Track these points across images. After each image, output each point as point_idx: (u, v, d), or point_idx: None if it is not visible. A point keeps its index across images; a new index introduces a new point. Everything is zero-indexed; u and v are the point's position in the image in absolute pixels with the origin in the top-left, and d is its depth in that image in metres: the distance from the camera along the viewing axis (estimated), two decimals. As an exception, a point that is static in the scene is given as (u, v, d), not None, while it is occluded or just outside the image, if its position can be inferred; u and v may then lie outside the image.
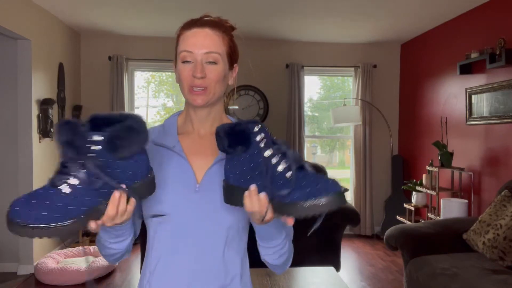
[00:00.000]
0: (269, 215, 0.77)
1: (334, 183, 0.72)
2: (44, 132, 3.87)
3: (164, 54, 5.02)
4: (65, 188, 0.68)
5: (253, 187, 0.76)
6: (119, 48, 4.97)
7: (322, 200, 0.70)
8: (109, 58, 4.92)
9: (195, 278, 0.90)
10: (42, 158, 3.90)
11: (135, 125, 0.72)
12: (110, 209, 0.73)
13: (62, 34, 4.42)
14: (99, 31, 4.84)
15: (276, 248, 0.90)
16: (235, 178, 0.78)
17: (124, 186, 0.73)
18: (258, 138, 0.76)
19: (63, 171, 0.69)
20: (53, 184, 0.68)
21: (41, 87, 3.89)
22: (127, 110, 4.92)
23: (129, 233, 0.89)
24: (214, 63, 0.90)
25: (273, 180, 0.75)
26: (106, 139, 0.70)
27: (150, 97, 5.45)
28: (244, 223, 0.94)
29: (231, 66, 0.95)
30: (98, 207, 0.71)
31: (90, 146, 0.69)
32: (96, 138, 0.70)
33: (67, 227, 0.67)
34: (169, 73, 5.43)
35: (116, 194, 0.72)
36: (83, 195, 0.69)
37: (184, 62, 0.90)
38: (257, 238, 0.90)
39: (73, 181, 0.68)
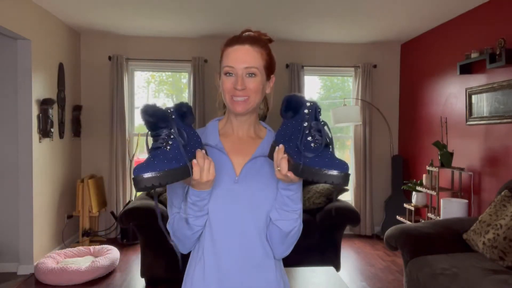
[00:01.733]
0: (284, 169, 0.90)
1: (345, 164, 0.88)
2: (44, 132, 3.87)
3: (164, 54, 5.03)
4: (166, 147, 0.90)
5: (281, 145, 0.93)
6: (119, 48, 4.98)
7: (330, 172, 0.87)
8: (109, 58, 4.92)
9: (238, 251, 1.04)
10: (42, 158, 3.90)
11: (187, 105, 0.97)
12: (199, 160, 0.91)
13: (62, 34, 4.42)
14: (99, 31, 4.84)
15: (295, 213, 1.02)
16: (279, 138, 0.96)
17: (203, 151, 0.94)
18: (306, 111, 0.93)
19: (158, 138, 0.91)
20: (156, 148, 0.90)
21: (41, 87, 3.89)
22: (127, 110, 4.92)
23: (207, 208, 1.02)
24: (253, 75, 1.04)
25: (300, 145, 0.91)
26: (174, 109, 0.94)
27: (150, 97, 5.45)
28: None
29: (268, 77, 1.09)
30: (192, 161, 0.92)
31: (171, 115, 0.92)
32: (171, 109, 0.94)
33: (182, 169, 0.89)
34: (169, 73, 5.43)
35: (200, 151, 0.93)
36: (180, 150, 0.90)
37: (227, 75, 1.04)
38: (280, 205, 1.02)
39: (170, 141, 0.90)
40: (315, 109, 0.93)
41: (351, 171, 5.29)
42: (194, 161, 0.91)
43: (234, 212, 1.03)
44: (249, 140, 1.12)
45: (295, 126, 0.94)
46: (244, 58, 1.03)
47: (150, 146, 0.92)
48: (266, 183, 1.05)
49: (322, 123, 0.93)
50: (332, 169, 0.86)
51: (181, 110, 0.95)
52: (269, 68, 1.08)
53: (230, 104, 1.05)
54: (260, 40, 1.07)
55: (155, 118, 0.90)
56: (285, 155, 0.92)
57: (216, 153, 1.07)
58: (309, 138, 0.91)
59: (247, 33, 1.09)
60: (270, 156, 0.98)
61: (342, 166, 0.87)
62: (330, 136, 0.93)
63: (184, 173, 0.89)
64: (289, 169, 0.91)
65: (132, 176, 0.86)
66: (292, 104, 0.95)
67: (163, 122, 0.91)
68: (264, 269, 1.06)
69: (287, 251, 1.08)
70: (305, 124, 0.93)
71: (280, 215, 1.02)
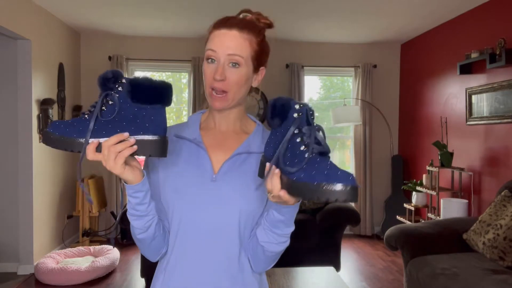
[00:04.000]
0: (276, 187, 0.75)
1: (349, 176, 0.70)
2: (44, 132, 3.86)
3: (164, 54, 5.03)
4: (84, 116, 0.82)
5: (268, 164, 0.77)
6: (119, 48, 4.98)
7: (332, 188, 0.69)
8: (109, 58, 4.92)
9: (210, 259, 0.92)
10: (42, 158, 3.90)
11: (156, 82, 0.81)
12: (109, 139, 0.78)
13: (62, 34, 4.42)
14: (99, 31, 4.84)
15: (285, 237, 0.90)
16: (269, 151, 0.82)
17: (127, 133, 0.80)
18: (295, 114, 0.78)
19: (93, 104, 0.83)
20: (83, 113, 0.83)
21: (41, 87, 3.89)
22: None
23: (146, 209, 0.88)
24: (237, 65, 0.90)
25: (290, 157, 0.77)
26: (127, 82, 0.81)
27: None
28: (258, 212, 0.94)
29: (256, 69, 0.96)
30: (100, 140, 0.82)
31: (118, 87, 0.81)
32: (123, 80, 0.81)
33: (79, 143, 0.81)
34: (169, 73, 5.43)
35: (121, 134, 0.79)
36: (95, 124, 0.81)
37: (208, 60, 0.92)
38: (270, 227, 0.88)
39: (92, 109, 0.82)
40: (306, 112, 0.78)
41: (351, 171, 5.28)
42: (94, 141, 0.80)
43: (209, 213, 0.91)
44: (233, 135, 0.99)
45: (282, 135, 0.79)
46: (229, 43, 0.89)
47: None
48: (248, 183, 0.92)
49: (317, 127, 0.78)
50: (335, 183, 0.69)
51: (135, 82, 0.81)
52: (258, 59, 0.96)
53: (209, 98, 0.92)
54: (252, 25, 0.95)
55: (98, 81, 0.82)
56: (277, 171, 0.76)
57: (194, 147, 0.95)
58: (302, 148, 0.76)
59: (244, 14, 0.98)
60: (261, 174, 0.82)
61: (346, 177, 0.69)
62: (324, 143, 0.77)
63: (74, 145, 0.81)
64: (282, 188, 0.75)
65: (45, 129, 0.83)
66: (278, 109, 0.80)
67: (101, 88, 0.82)
68: (244, 283, 0.94)
69: (267, 268, 0.96)
70: (295, 130, 0.78)
71: (268, 238, 0.89)
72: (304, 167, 0.73)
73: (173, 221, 0.93)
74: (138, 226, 0.89)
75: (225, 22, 0.93)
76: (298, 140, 0.77)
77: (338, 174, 0.70)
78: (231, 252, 0.93)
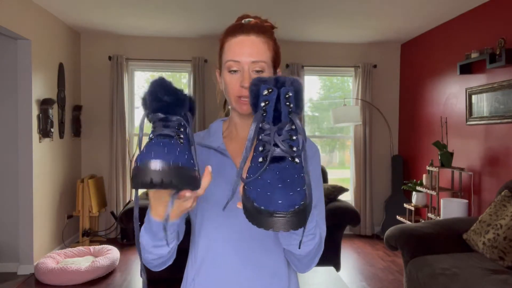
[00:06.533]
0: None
1: (299, 195, 0.50)
2: (44, 132, 3.86)
3: (164, 54, 5.02)
4: (179, 140, 0.65)
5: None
6: (119, 48, 4.97)
7: (264, 208, 0.51)
8: (109, 58, 4.92)
9: (244, 268, 0.91)
10: (42, 158, 3.90)
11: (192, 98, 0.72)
12: (207, 178, 0.72)
13: (62, 34, 4.42)
14: (99, 31, 4.84)
15: (309, 234, 0.80)
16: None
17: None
18: (262, 104, 0.60)
19: (167, 124, 0.66)
20: (166, 136, 0.64)
21: (41, 87, 3.88)
22: (127, 110, 4.92)
23: (172, 237, 0.84)
24: (261, 71, 0.90)
25: (251, 163, 0.61)
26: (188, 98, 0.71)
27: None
28: None
29: (275, 70, 0.96)
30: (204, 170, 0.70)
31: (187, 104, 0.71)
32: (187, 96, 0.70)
33: (192, 176, 0.63)
34: (169, 73, 5.43)
35: (208, 166, 0.73)
36: (191, 151, 0.67)
37: (231, 71, 0.91)
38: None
39: (181, 135, 0.67)
40: (277, 98, 0.58)
41: (351, 171, 5.28)
42: (209, 167, 0.71)
43: (238, 223, 0.91)
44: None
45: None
46: (250, 50, 0.89)
47: (155, 132, 0.65)
48: None
49: (280, 124, 0.58)
50: (269, 204, 0.51)
51: (191, 102, 0.72)
52: (277, 60, 0.95)
53: (236, 105, 0.92)
54: (266, 29, 0.94)
55: (174, 100, 0.66)
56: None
57: (218, 156, 0.95)
58: (260, 149, 0.58)
59: (247, 19, 0.97)
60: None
61: (292, 196, 0.50)
62: (297, 145, 0.59)
63: (192, 181, 0.62)
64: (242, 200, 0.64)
65: (137, 164, 0.59)
66: (252, 94, 0.64)
67: (179, 108, 0.67)
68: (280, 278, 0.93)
69: (309, 267, 0.92)
70: (260, 125, 0.60)
71: (290, 240, 0.79)
72: (258, 178, 0.55)
73: (202, 230, 0.94)
74: (158, 253, 0.86)
75: (241, 29, 0.93)
76: (260, 137, 0.59)
77: (273, 195, 0.50)
78: (264, 260, 0.92)
